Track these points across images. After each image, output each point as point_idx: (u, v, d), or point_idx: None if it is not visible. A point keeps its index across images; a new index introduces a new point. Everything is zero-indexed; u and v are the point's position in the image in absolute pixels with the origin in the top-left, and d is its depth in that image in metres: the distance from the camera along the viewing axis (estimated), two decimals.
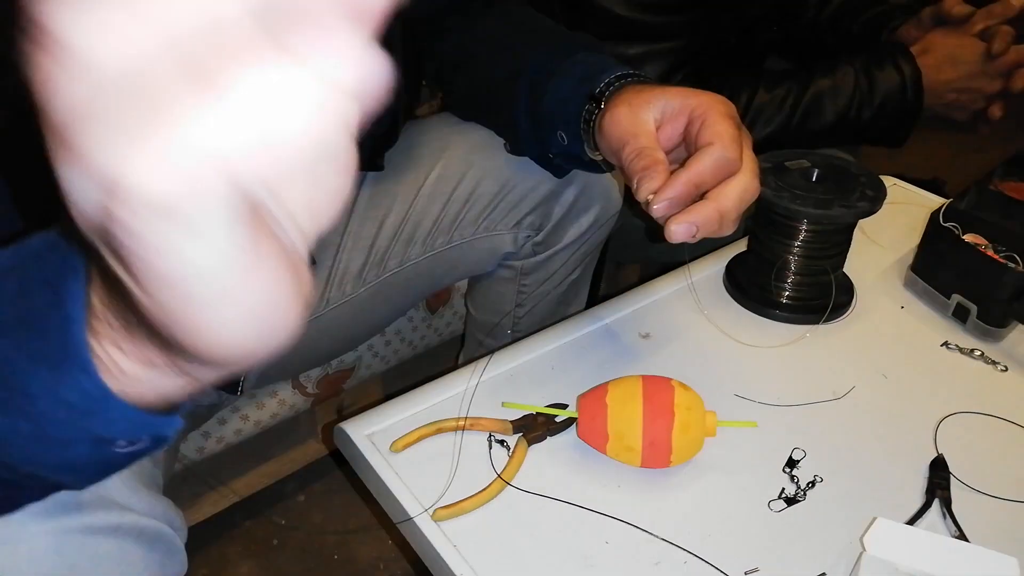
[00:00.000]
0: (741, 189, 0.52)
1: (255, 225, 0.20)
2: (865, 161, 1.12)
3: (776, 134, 0.90)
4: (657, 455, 0.51)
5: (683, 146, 0.56)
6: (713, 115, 0.53)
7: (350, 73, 0.20)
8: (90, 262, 0.26)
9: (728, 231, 0.53)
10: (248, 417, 0.93)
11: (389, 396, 1.13)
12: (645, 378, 0.53)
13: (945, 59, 0.90)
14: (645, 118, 0.56)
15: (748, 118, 0.90)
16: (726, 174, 0.52)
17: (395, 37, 0.64)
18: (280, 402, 0.95)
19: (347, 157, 0.22)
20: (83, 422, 0.27)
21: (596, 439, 0.52)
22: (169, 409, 0.29)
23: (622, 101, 0.57)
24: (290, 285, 0.22)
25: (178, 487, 0.95)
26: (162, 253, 0.19)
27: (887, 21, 1.01)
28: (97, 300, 0.26)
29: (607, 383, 0.54)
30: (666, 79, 0.89)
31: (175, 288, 0.20)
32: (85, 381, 0.26)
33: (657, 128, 0.56)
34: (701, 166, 0.51)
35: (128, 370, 0.26)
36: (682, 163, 0.53)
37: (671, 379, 0.53)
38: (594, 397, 0.53)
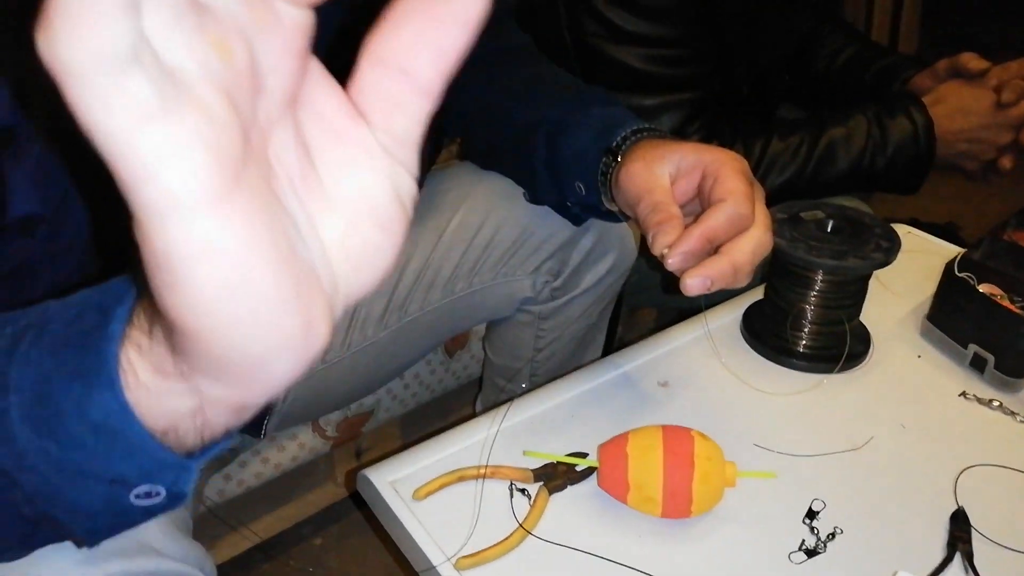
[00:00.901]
0: (755, 243, 0.53)
1: (271, 220, 0.21)
2: (879, 205, 1.13)
3: (790, 183, 0.91)
4: (678, 506, 0.51)
5: (697, 200, 0.57)
6: (726, 171, 0.55)
7: (411, 149, 0.22)
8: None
9: (742, 284, 0.54)
10: (268, 460, 0.94)
11: (407, 439, 1.14)
12: (665, 428, 0.54)
13: (957, 110, 0.91)
14: (660, 173, 0.57)
15: (762, 167, 0.91)
16: (739, 229, 0.53)
17: None
18: (300, 445, 0.96)
19: (397, 226, 0.23)
20: (103, 449, 0.28)
21: (617, 489, 0.53)
22: (185, 454, 0.29)
23: (638, 156, 0.59)
24: (298, 295, 0.22)
25: (199, 529, 0.95)
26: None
27: (898, 72, 1.03)
28: (138, 302, 0.28)
29: (627, 433, 0.54)
30: (681, 130, 0.91)
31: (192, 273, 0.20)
32: (110, 398, 0.27)
33: (672, 183, 0.57)
34: (714, 221, 0.52)
35: (144, 379, 0.27)
36: (696, 217, 0.54)
37: (691, 429, 0.54)
38: (614, 447, 0.54)
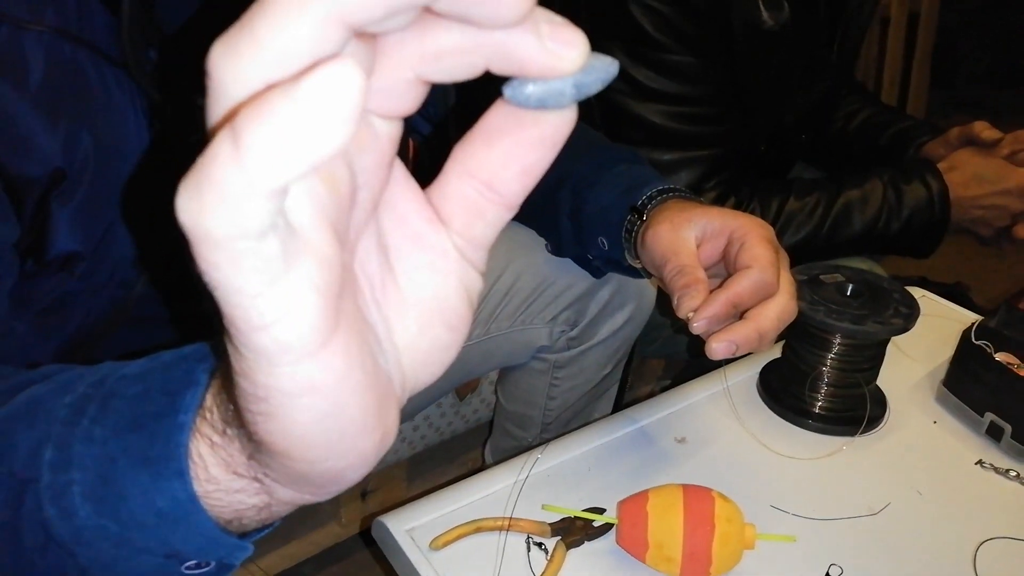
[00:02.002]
0: (780, 310, 0.54)
1: (361, 343, 0.22)
2: (886, 263, 1.14)
3: (805, 242, 0.93)
4: (697, 567, 0.51)
5: (722, 264, 0.58)
6: (752, 238, 0.56)
7: (484, 251, 0.23)
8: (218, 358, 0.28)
9: (766, 349, 0.55)
10: None
11: (413, 481, 1.13)
12: (686, 487, 0.54)
13: (972, 177, 0.93)
14: (686, 236, 0.58)
15: (778, 225, 0.92)
16: (764, 295, 0.54)
17: (453, 142, 0.68)
18: None
19: (464, 325, 0.24)
20: (165, 531, 0.28)
21: (635, 547, 0.53)
22: (241, 534, 0.30)
23: (664, 218, 0.60)
24: (379, 412, 0.23)
25: None
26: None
27: (913, 137, 1.05)
28: (209, 395, 0.28)
29: (647, 491, 0.54)
30: (699, 185, 0.93)
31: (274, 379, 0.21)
32: (179, 489, 0.28)
33: (697, 245, 0.58)
34: (740, 287, 0.53)
35: (214, 473, 0.28)
36: (721, 282, 0.55)
37: (711, 489, 0.54)
38: (634, 505, 0.54)
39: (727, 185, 0.94)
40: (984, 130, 0.96)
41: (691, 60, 0.90)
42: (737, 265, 0.55)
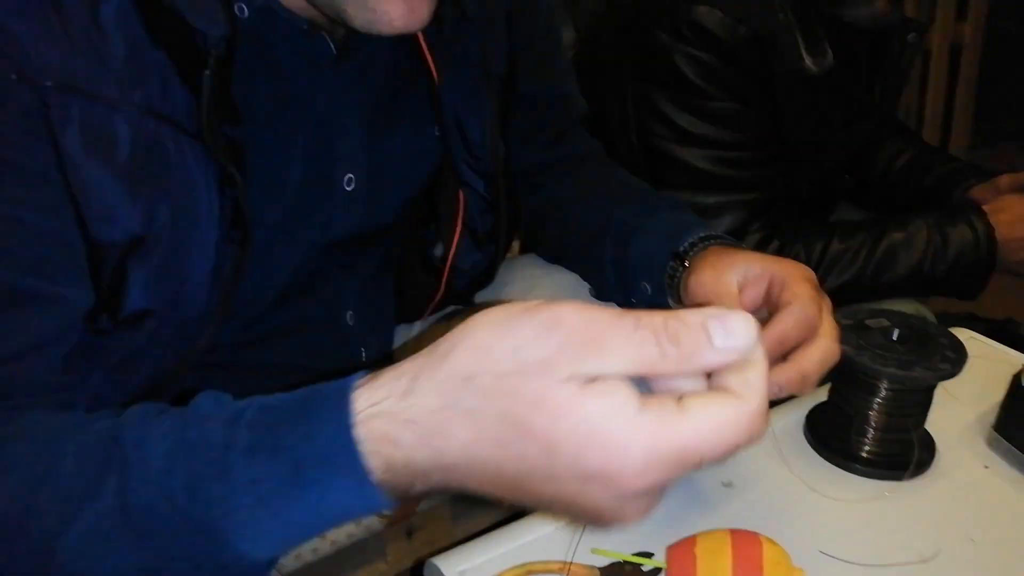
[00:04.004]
0: (823, 352, 0.55)
1: None
2: (936, 299, 1.13)
3: (850, 284, 0.93)
4: None
5: (764, 309, 0.59)
6: (794, 279, 0.57)
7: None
8: None
9: (809, 391, 0.56)
10: (326, 536, 0.96)
11: (458, 520, 1.14)
12: (734, 532, 0.54)
13: (1018, 218, 0.93)
14: (729, 280, 0.60)
15: (823, 267, 0.93)
16: (808, 333, 0.55)
17: (502, 197, 0.70)
18: (357, 523, 0.98)
19: None
20: None
21: None
22: None
23: (707, 264, 0.62)
24: None
25: None
26: None
27: (959, 179, 1.05)
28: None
29: (695, 536, 0.55)
30: (743, 228, 0.94)
31: None
32: None
33: (740, 290, 0.60)
34: (784, 325, 0.54)
35: None
36: (764, 324, 0.56)
37: (759, 534, 0.54)
38: (683, 549, 0.54)
39: (771, 228, 0.95)
40: None
41: (733, 106, 0.92)
42: (780, 304, 0.56)
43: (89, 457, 0.38)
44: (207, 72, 0.47)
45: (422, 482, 0.35)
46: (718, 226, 0.94)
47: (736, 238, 0.95)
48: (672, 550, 0.55)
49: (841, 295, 0.94)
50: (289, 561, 0.94)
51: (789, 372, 0.54)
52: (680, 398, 0.33)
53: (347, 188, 0.61)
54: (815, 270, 0.93)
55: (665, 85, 0.93)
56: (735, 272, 0.60)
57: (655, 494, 0.35)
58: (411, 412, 0.34)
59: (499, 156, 0.68)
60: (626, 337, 0.33)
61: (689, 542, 0.55)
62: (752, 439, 0.34)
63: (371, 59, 0.61)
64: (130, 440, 0.38)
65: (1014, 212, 0.94)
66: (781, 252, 0.96)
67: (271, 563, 0.39)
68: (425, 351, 0.35)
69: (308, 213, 0.60)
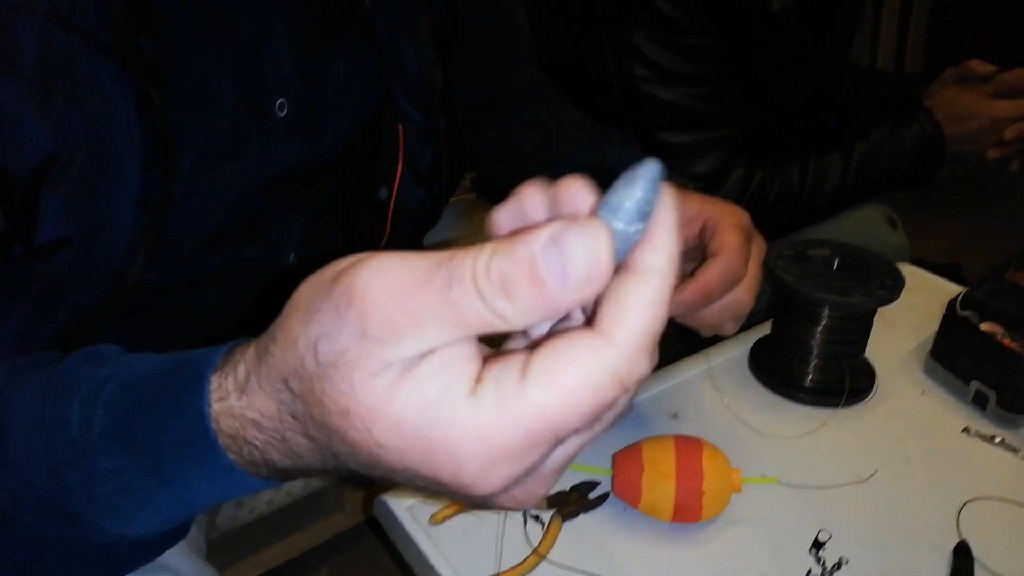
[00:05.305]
0: (721, 269, 0.55)
1: None
2: (884, 248, 1.17)
3: (835, 194, 1.02)
4: (688, 511, 0.54)
5: (698, 248, 0.60)
6: (725, 226, 0.57)
7: None
8: None
9: (728, 330, 0.57)
10: (280, 487, 0.95)
11: None
12: (676, 437, 0.57)
13: (952, 116, 1.02)
14: None
15: (808, 185, 1.01)
16: (733, 282, 0.56)
17: (442, 128, 0.69)
18: None
19: None
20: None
21: (630, 494, 0.56)
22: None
23: None
24: None
25: (210, 556, 0.96)
26: None
27: (913, 83, 1.12)
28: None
29: (641, 441, 0.57)
30: (726, 166, 0.99)
31: None
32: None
33: None
34: (708, 276, 0.55)
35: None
36: (693, 269, 0.57)
37: (701, 439, 0.57)
38: (629, 454, 0.57)
39: (752, 164, 1.00)
40: (978, 66, 1.03)
41: (709, 41, 0.95)
42: (708, 252, 0.56)
43: None
44: None
45: (296, 472, 0.31)
46: (701, 164, 0.98)
47: (721, 176, 0.99)
48: (619, 456, 0.57)
49: (831, 205, 1.03)
50: (243, 513, 0.94)
51: (687, 291, 0.54)
52: (530, 354, 0.26)
53: (280, 114, 0.59)
54: (800, 191, 1.01)
55: (641, 23, 0.95)
56: None
57: (532, 478, 0.29)
58: (251, 412, 0.30)
59: (436, 87, 0.67)
60: (440, 301, 0.25)
61: (635, 448, 0.57)
62: (627, 388, 0.26)
63: None
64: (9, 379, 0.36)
65: (947, 110, 1.02)
66: (764, 184, 1.00)
67: (166, 533, 0.37)
68: (265, 333, 0.30)
69: (239, 140, 0.57)
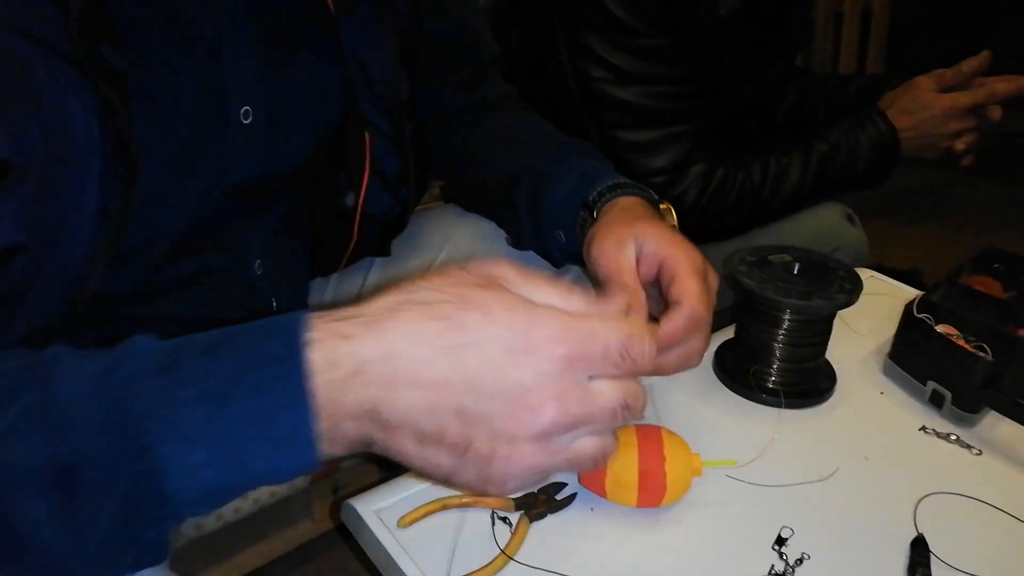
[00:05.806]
0: (695, 347, 0.59)
1: None
2: (844, 255, 1.19)
3: (795, 194, 1.05)
4: (651, 494, 0.56)
5: (654, 285, 0.61)
6: (683, 273, 0.59)
7: None
8: None
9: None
10: (248, 495, 0.94)
11: (384, 477, 1.14)
12: (638, 426, 0.59)
13: (898, 111, 1.06)
14: (628, 255, 0.61)
15: (768, 184, 1.03)
16: (696, 330, 0.58)
17: (408, 136, 0.69)
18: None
19: None
20: None
21: (596, 483, 0.57)
22: None
23: (608, 230, 0.62)
24: None
25: (174, 565, 0.95)
26: None
27: (880, 86, 1.16)
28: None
29: None
30: (686, 161, 1.01)
31: None
32: None
33: (637, 260, 0.61)
34: (674, 325, 0.58)
35: None
36: (659, 307, 0.59)
37: (660, 426, 0.59)
38: None
39: (712, 159, 1.01)
40: (947, 72, 1.08)
41: (664, 42, 0.96)
42: (669, 296, 0.58)
43: (4, 376, 0.37)
44: None
45: (354, 398, 0.37)
46: (661, 160, 1.00)
47: (680, 171, 1.01)
48: None
49: (791, 204, 1.07)
50: (210, 522, 0.93)
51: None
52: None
53: (244, 121, 0.58)
54: (760, 190, 1.04)
55: (597, 27, 0.96)
56: (633, 246, 0.61)
57: (553, 441, 0.40)
58: (363, 310, 0.39)
59: (401, 94, 0.67)
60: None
61: None
62: (619, 362, 0.41)
63: None
64: (55, 356, 0.38)
65: (898, 105, 1.06)
66: (725, 180, 1.02)
67: (179, 508, 0.38)
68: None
69: (203, 148, 0.57)
